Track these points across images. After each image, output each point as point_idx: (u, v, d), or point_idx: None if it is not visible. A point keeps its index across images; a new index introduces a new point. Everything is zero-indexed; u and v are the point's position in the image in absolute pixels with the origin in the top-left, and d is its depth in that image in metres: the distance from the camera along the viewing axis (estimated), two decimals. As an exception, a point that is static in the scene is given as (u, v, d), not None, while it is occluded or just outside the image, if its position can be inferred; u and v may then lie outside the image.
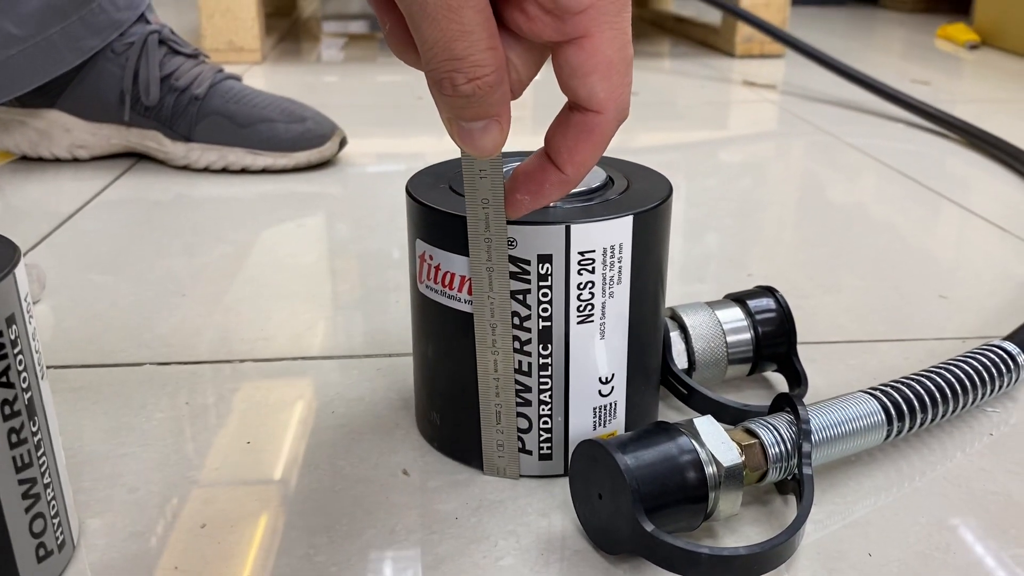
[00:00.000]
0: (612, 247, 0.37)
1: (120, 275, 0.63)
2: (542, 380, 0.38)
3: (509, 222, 0.35)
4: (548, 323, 0.37)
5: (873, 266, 0.66)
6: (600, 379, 0.39)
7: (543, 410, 0.39)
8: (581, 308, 0.37)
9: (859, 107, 1.18)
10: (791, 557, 0.35)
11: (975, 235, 0.73)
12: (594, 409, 0.39)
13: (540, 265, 0.36)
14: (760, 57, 1.55)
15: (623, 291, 0.38)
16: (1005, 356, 0.46)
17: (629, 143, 1.01)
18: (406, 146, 1.00)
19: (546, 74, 0.31)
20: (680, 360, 0.45)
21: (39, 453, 0.33)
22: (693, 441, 0.35)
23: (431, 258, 0.38)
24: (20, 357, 0.31)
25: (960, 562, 0.35)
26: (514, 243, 0.36)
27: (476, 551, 0.36)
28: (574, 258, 0.36)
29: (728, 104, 1.24)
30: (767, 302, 0.47)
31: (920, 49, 1.72)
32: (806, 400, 0.43)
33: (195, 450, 0.42)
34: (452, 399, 0.40)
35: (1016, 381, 0.46)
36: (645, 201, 0.38)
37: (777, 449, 0.37)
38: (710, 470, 0.35)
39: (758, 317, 0.46)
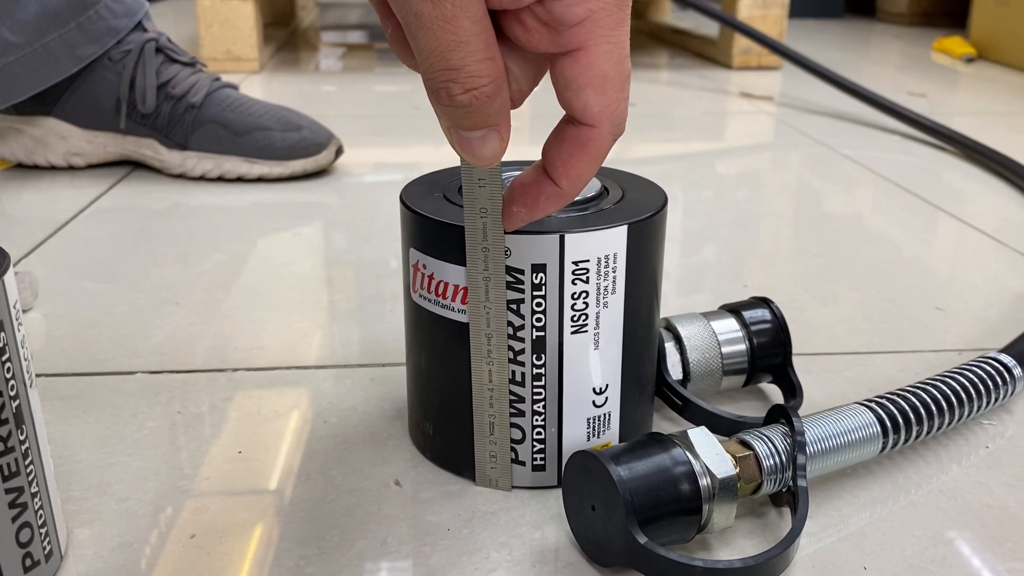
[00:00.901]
0: (606, 257, 0.37)
1: (114, 283, 0.62)
2: (535, 390, 0.38)
3: (505, 233, 0.35)
4: (542, 333, 0.37)
5: (869, 278, 0.66)
6: (594, 389, 0.39)
7: (536, 421, 0.39)
8: (575, 318, 0.37)
9: (856, 119, 1.18)
10: (786, 570, 0.34)
11: (971, 247, 0.72)
12: (588, 420, 0.39)
13: (534, 275, 0.36)
14: (757, 69, 1.55)
15: (617, 301, 0.38)
16: (1001, 368, 0.46)
17: (625, 154, 1.01)
18: (403, 156, 1.00)
19: (545, 85, 0.31)
20: (675, 371, 0.45)
21: (27, 462, 0.32)
22: (687, 452, 0.35)
23: (424, 267, 0.38)
24: (8, 364, 0.31)
25: (956, 575, 0.35)
26: (508, 253, 0.36)
27: (468, 563, 0.35)
28: (568, 268, 0.36)
29: (725, 115, 1.25)
30: (762, 313, 0.46)
31: (916, 62, 1.73)
32: (801, 412, 0.43)
33: (186, 460, 0.42)
34: (445, 409, 0.40)
35: (1012, 393, 0.46)
36: (640, 211, 0.38)
37: (772, 461, 0.37)
38: (704, 482, 0.34)
39: (753, 328, 0.46)
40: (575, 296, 0.37)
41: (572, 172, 0.32)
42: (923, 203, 0.83)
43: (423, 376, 0.41)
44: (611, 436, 0.40)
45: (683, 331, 0.45)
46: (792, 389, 0.46)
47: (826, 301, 0.61)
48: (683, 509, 0.34)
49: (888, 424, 0.40)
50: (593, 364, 0.38)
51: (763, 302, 0.47)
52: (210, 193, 0.83)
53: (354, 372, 0.50)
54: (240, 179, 0.86)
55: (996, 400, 0.45)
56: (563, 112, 0.31)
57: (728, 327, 0.46)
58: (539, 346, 0.37)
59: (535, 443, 0.39)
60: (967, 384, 0.44)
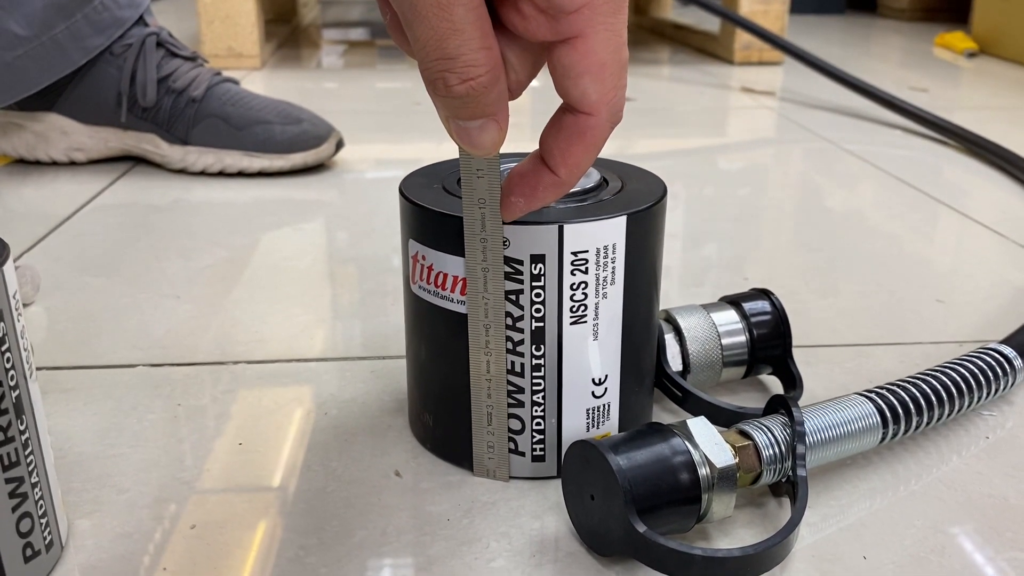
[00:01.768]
0: (605, 247, 0.37)
1: (115, 278, 0.62)
2: (535, 381, 0.38)
3: (503, 223, 0.35)
4: (541, 324, 0.37)
5: (870, 271, 0.65)
6: (593, 380, 0.39)
7: (536, 411, 0.39)
8: (574, 309, 0.37)
9: (857, 114, 1.18)
10: (785, 559, 0.34)
11: (972, 240, 0.72)
12: (587, 410, 0.39)
13: (533, 265, 0.36)
14: (759, 64, 1.55)
15: (616, 292, 0.38)
16: (1001, 359, 0.45)
17: (628, 149, 1.01)
18: (404, 152, 1.00)
19: (546, 79, 0.31)
20: (675, 362, 0.44)
21: (27, 452, 0.32)
22: (686, 442, 0.35)
23: (424, 258, 0.38)
24: (8, 355, 0.31)
25: (955, 565, 0.35)
26: (507, 243, 0.36)
27: (468, 553, 0.36)
28: (567, 258, 0.36)
29: (727, 111, 1.25)
30: (762, 304, 0.46)
31: (918, 57, 1.72)
32: (801, 403, 0.43)
33: (187, 452, 0.42)
34: (444, 400, 0.40)
35: (1013, 384, 0.46)
36: (639, 201, 0.38)
37: (771, 451, 0.37)
38: (703, 471, 0.34)
39: (753, 320, 0.46)
40: (574, 287, 0.37)
41: (570, 161, 0.32)
42: (924, 197, 0.83)
43: (423, 367, 0.41)
44: (610, 427, 0.40)
45: (683, 322, 0.45)
46: (792, 380, 0.46)
47: (826, 294, 0.61)
48: (682, 498, 0.34)
49: (888, 414, 0.40)
50: (592, 355, 0.38)
51: (763, 294, 0.47)
52: (211, 188, 0.83)
53: (355, 365, 0.51)
54: (241, 173, 0.86)
55: (996, 391, 0.45)
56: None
57: (728, 319, 0.46)
58: (538, 337, 0.37)
59: (534, 433, 0.39)
60: (967, 375, 0.44)
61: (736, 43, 1.55)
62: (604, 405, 0.40)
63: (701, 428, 0.36)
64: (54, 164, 0.88)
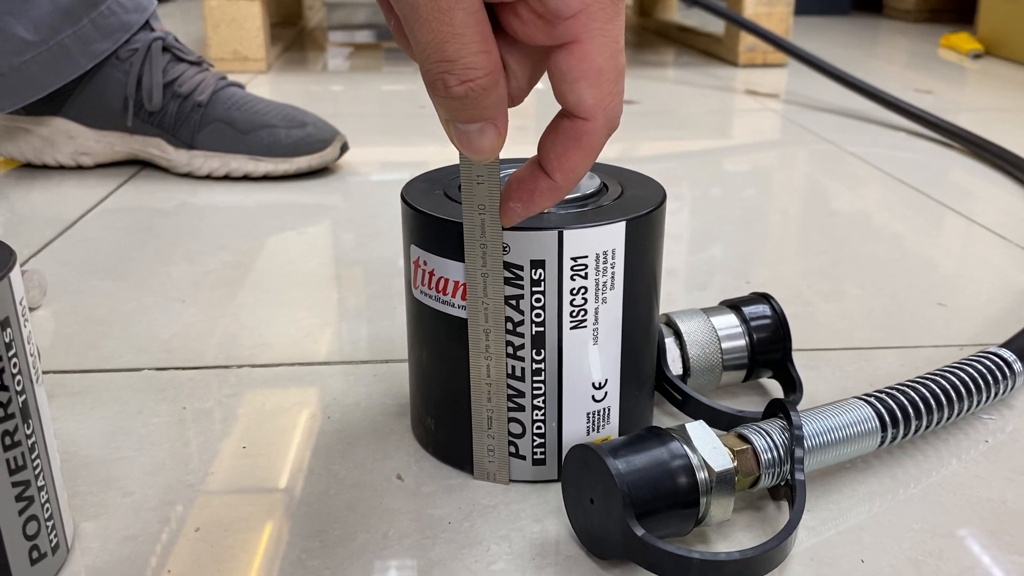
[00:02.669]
0: (605, 253, 0.37)
1: (121, 281, 0.63)
2: (535, 385, 0.38)
3: (503, 228, 0.35)
4: (541, 328, 0.37)
5: (873, 274, 0.66)
6: (593, 384, 0.39)
7: (536, 415, 0.39)
8: (574, 313, 0.37)
9: (861, 116, 1.18)
10: (782, 563, 0.35)
11: (975, 243, 0.72)
12: (587, 414, 0.39)
13: (533, 270, 0.37)
14: (763, 66, 1.55)
15: (616, 296, 0.38)
16: (1001, 363, 0.46)
17: (632, 152, 1.01)
18: (410, 155, 1.01)
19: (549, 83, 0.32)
20: (675, 366, 0.45)
21: (33, 456, 0.33)
22: (685, 446, 0.35)
23: (425, 263, 0.39)
24: (15, 360, 0.32)
25: (953, 569, 0.35)
26: (507, 249, 0.36)
27: (468, 556, 0.36)
28: (567, 264, 0.37)
29: (731, 113, 1.25)
30: (762, 308, 0.47)
31: (923, 58, 1.72)
32: (801, 406, 0.43)
33: (192, 455, 0.43)
34: (446, 404, 0.41)
35: (1012, 388, 0.46)
36: (638, 207, 0.39)
37: (770, 455, 0.37)
38: (702, 475, 0.35)
39: (753, 324, 0.46)
40: (574, 292, 0.37)
41: (567, 165, 0.32)
42: (927, 199, 0.83)
43: (424, 371, 0.41)
44: (611, 430, 0.40)
45: (683, 327, 0.45)
46: (792, 384, 0.46)
47: (829, 297, 0.61)
48: (680, 502, 0.34)
49: (887, 418, 0.40)
50: (592, 359, 0.39)
51: (763, 298, 0.47)
52: (217, 192, 0.84)
53: (358, 368, 0.51)
54: (246, 177, 0.86)
55: (996, 395, 0.45)
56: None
57: (728, 323, 0.46)
58: (538, 341, 0.38)
59: (535, 437, 0.39)
60: (967, 379, 0.44)
61: (740, 45, 1.55)
62: (604, 409, 0.40)
63: (700, 432, 0.36)
64: (61, 168, 0.89)
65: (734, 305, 0.47)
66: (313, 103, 1.15)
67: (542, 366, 0.38)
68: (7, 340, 0.31)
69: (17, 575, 0.33)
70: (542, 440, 0.39)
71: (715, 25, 1.73)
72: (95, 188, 0.84)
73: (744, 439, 0.37)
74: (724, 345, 0.46)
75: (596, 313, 0.38)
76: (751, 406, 0.47)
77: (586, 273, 0.37)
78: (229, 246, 0.70)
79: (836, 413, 0.40)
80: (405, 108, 1.22)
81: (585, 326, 0.38)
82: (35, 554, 0.33)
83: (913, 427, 0.42)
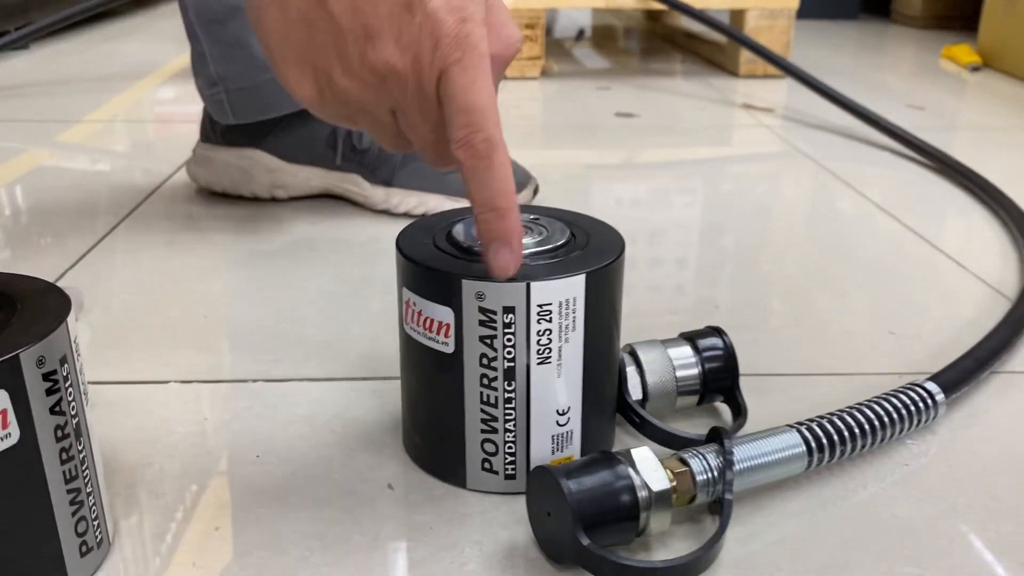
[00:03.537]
0: (567, 300, 0.43)
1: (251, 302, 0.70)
2: (507, 412, 0.45)
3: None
4: (512, 363, 0.44)
5: (833, 302, 0.71)
6: (557, 411, 0.45)
7: (508, 437, 0.45)
8: (540, 351, 0.44)
9: (852, 133, 1.23)
10: (708, 569, 0.41)
11: (935, 272, 0.78)
12: (552, 437, 0.46)
13: (505, 315, 0.43)
14: (763, 77, 1.60)
15: (577, 337, 0.44)
16: (925, 395, 0.52)
17: (634, 159, 1.06)
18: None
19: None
20: (635, 392, 0.51)
21: (84, 467, 0.39)
22: (630, 468, 0.42)
23: (414, 304, 0.45)
24: (70, 389, 0.38)
25: (855, 577, 0.41)
26: (483, 296, 0.43)
27: (446, 557, 0.42)
28: (534, 309, 0.43)
29: (724, 128, 1.30)
30: (714, 341, 0.53)
31: (924, 70, 1.77)
32: (745, 430, 0.49)
33: (211, 463, 0.49)
34: (432, 425, 0.47)
35: (934, 418, 0.52)
36: (599, 259, 0.45)
37: (705, 476, 0.43)
38: (643, 494, 0.41)
39: (705, 355, 0.52)
40: (540, 333, 0.43)
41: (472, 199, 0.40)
42: (897, 224, 0.89)
43: (414, 396, 0.48)
44: (573, 450, 0.47)
45: (643, 356, 0.52)
46: (738, 409, 0.52)
47: (787, 324, 0.67)
48: (623, 517, 0.40)
49: (814, 445, 0.47)
50: (558, 389, 0.45)
51: (716, 331, 0.53)
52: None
53: (359, 384, 0.57)
54: None
55: (919, 423, 0.51)
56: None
57: (683, 354, 0.52)
58: (509, 375, 0.44)
59: (507, 456, 0.46)
60: (891, 409, 0.50)
61: (741, 56, 1.60)
62: (568, 432, 0.46)
63: (643, 456, 0.42)
64: (255, 200, 0.91)
65: (690, 337, 0.53)
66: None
67: (513, 395, 0.44)
68: (64, 374, 0.38)
69: (70, 566, 0.39)
70: (513, 458, 0.46)
71: (719, 33, 1.78)
72: (293, 219, 0.87)
73: (683, 462, 0.44)
74: (679, 374, 0.52)
75: (560, 351, 0.44)
76: (703, 428, 0.53)
77: (551, 318, 0.43)
78: (348, 275, 0.76)
79: (766, 441, 0.46)
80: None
81: (550, 362, 0.44)
82: (84, 548, 0.40)
83: (838, 452, 0.48)
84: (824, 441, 0.47)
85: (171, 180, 0.98)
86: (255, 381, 0.58)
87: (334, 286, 0.73)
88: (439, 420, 0.46)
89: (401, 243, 0.46)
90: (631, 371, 0.51)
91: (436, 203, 0.87)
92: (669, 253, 0.81)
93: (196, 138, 0.91)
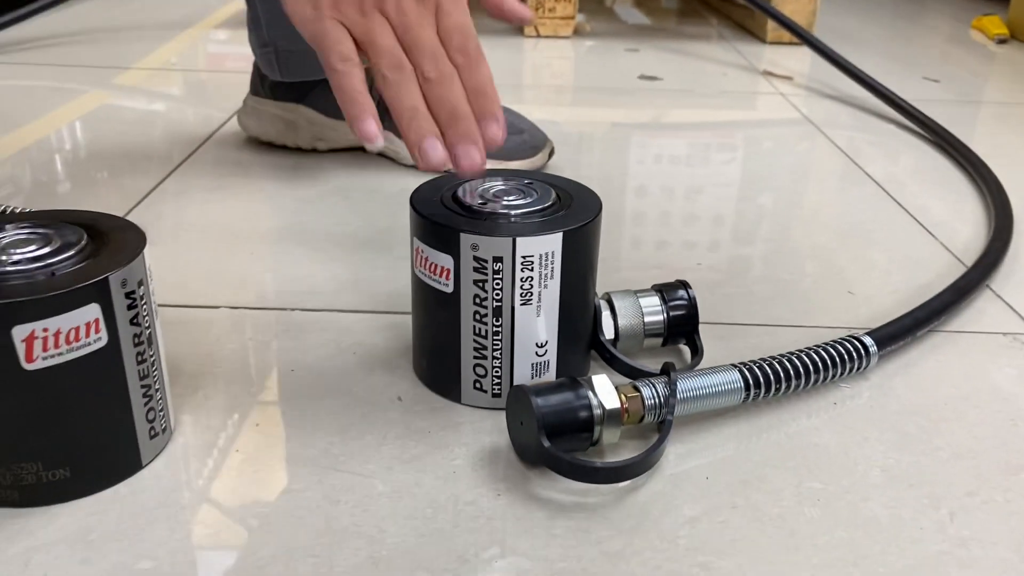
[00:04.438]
0: (546, 253, 0.52)
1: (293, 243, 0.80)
2: (495, 343, 0.54)
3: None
4: (499, 303, 0.53)
5: (806, 262, 0.80)
6: (536, 344, 0.55)
7: (495, 363, 0.55)
8: (523, 294, 0.53)
9: (864, 104, 1.29)
10: (647, 473, 0.51)
11: (908, 241, 0.86)
12: (532, 364, 0.56)
13: (494, 264, 0.52)
14: (789, 44, 1.65)
15: (555, 283, 0.54)
16: (860, 346, 0.60)
17: (662, 118, 1.14)
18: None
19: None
20: (608, 332, 0.60)
21: (153, 369, 0.50)
22: (589, 391, 0.51)
23: (422, 251, 0.55)
24: (145, 306, 0.49)
25: (768, 488, 0.51)
26: (477, 247, 0.52)
27: (439, 454, 0.53)
28: (519, 261, 0.52)
29: (739, 95, 1.36)
30: (680, 293, 0.62)
31: (952, 41, 1.79)
32: (699, 367, 0.59)
33: (254, 373, 0.60)
34: (434, 351, 0.57)
35: (867, 367, 0.61)
36: (576, 219, 0.54)
37: (653, 401, 0.53)
38: (597, 412, 0.51)
39: (671, 304, 0.61)
40: (523, 280, 0.53)
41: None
42: (883, 196, 0.96)
43: (420, 326, 0.58)
44: (549, 376, 0.56)
45: (617, 303, 0.61)
46: (696, 350, 0.62)
47: (759, 280, 0.76)
48: (580, 428, 0.50)
49: (751, 381, 0.56)
50: (537, 326, 0.54)
51: (682, 285, 0.62)
52: None
53: (378, 316, 0.67)
54: None
55: (851, 370, 0.60)
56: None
57: (652, 303, 0.61)
58: (497, 312, 0.54)
59: (494, 378, 0.56)
60: (826, 357, 0.59)
61: (769, 23, 1.64)
62: (545, 361, 0.56)
63: (601, 382, 0.52)
64: (298, 150, 1.01)
65: (659, 289, 0.62)
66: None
67: (500, 329, 0.54)
68: (141, 294, 0.48)
69: (141, 445, 0.50)
70: (499, 380, 0.56)
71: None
72: (329, 171, 0.97)
73: (636, 389, 0.53)
74: (646, 319, 0.61)
75: (540, 295, 0.54)
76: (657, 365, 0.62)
77: (532, 267, 0.53)
78: (378, 223, 0.87)
79: (710, 375, 0.55)
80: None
81: (531, 303, 0.54)
82: (152, 432, 0.51)
83: (773, 389, 0.57)
84: (760, 379, 0.56)
85: (223, 128, 1.08)
86: (292, 310, 0.68)
87: (364, 231, 0.83)
88: (440, 347, 0.56)
89: (414, 200, 0.56)
90: (606, 315, 0.60)
91: None
92: (655, 209, 0.90)
93: (246, 87, 1.01)
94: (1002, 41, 1.75)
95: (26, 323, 0.43)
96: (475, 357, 0.55)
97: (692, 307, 0.62)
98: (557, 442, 0.49)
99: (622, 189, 0.96)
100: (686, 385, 0.54)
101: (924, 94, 1.35)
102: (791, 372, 0.57)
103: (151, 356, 0.50)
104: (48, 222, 0.50)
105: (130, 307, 0.47)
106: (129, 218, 0.83)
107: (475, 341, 0.55)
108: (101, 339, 0.46)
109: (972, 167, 1.02)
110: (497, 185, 0.57)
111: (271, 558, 0.44)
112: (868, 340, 0.61)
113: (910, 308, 0.69)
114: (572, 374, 0.57)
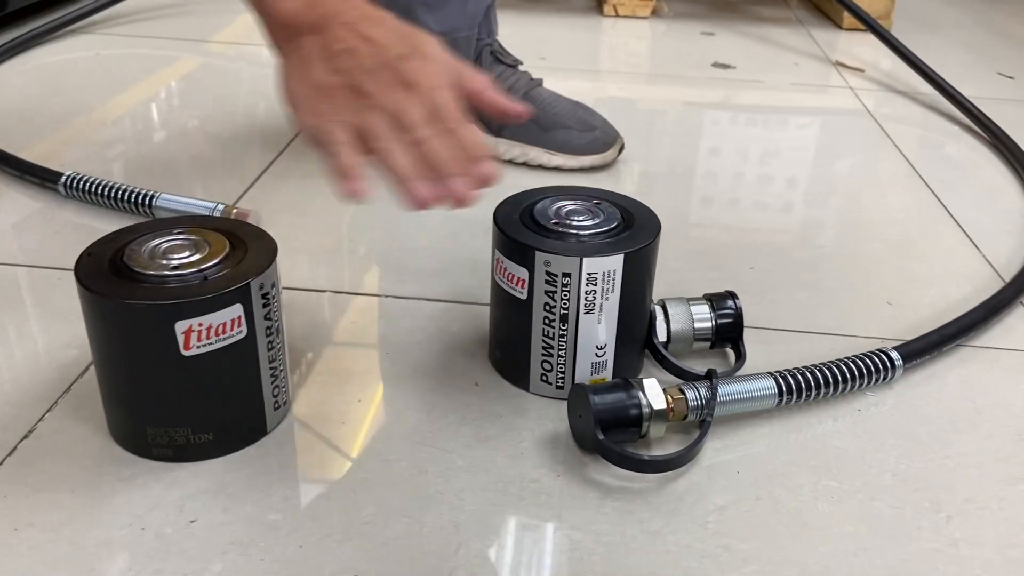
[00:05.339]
0: (609, 272, 0.61)
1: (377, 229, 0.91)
2: (560, 343, 0.64)
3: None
4: (566, 311, 0.62)
5: (852, 271, 0.86)
6: (596, 346, 0.64)
7: (560, 361, 0.64)
8: (587, 305, 0.62)
9: (932, 101, 1.32)
10: (687, 466, 0.60)
11: (952, 251, 0.91)
12: (592, 363, 0.65)
13: (563, 278, 0.61)
14: (865, 31, 1.66)
15: (615, 296, 0.62)
16: (886, 360, 0.68)
17: (733, 100, 1.20)
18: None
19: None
20: (661, 335, 0.69)
21: (280, 354, 0.61)
22: (640, 392, 0.60)
23: (502, 262, 0.64)
24: (275, 304, 0.59)
25: (790, 483, 0.59)
26: (549, 264, 0.61)
27: (508, 436, 0.62)
28: (584, 276, 0.61)
29: (808, 86, 1.40)
30: (728, 303, 0.70)
31: (1035, 29, 1.78)
32: (744, 371, 0.67)
33: (356, 354, 0.70)
34: (508, 346, 0.66)
35: (891, 378, 0.68)
36: (636, 241, 0.62)
37: (696, 402, 0.61)
38: (646, 410, 0.59)
39: (719, 312, 0.69)
40: (587, 293, 0.61)
41: None
42: (935, 203, 1.01)
43: (497, 324, 0.67)
44: (607, 374, 0.65)
45: (670, 310, 0.69)
46: (739, 355, 0.70)
47: (806, 287, 0.83)
48: (629, 423, 0.59)
49: (784, 388, 0.64)
50: (598, 331, 0.63)
51: (731, 295, 0.70)
52: (515, 176, 1.01)
53: (459, 307, 0.77)
54: (540, 166, 1.04)
55: (877, 381, 0.67)
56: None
57: (702, 310, 0.70)
58: (564, 319, 0.62)
59: (559, 373, 0.65)
60: (854, 368, 0.66)
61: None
62: (603, 361, 0.65)
63: (651, 385, 0.60)
64: None
65: (709, 298, 0.70)
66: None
67: (565, 333, 0.63)
68: (273, 294, 0.58)
69: (268, 415, 0.61)
70: (563, 375, 0.65)
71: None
72: None
73: (681, 391, 0.62)
74: (696, 325, 0.69)
75: (601, 306, 0.62)
76: (704, 367, 0.71)
77: (596, 282, 0.61)
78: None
79: (748, 381, 0.63)
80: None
81: (594, 312, 0.62)
82: (276, 405, 0.62)
83: (804, 396, 0.65)
84: (792, 387, 0.64)
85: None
86: (386, 296, 0.78)
87: (448, 223, 0.92)
88: (514, 343, 0.66)
89: (497, 216, 0.65)
90: (660, 320, 0.69)
91: (536, 155, 1.04)
92: (715, 217, 0.97)
93: None
94: (1087, 33, 1.73)
95: (185, 319, 0.54)
96: (543, 355, 0.64)
97: (738, 316, 0.70)
98: (610, 435, 0.59)
99: (688, 191, 1.03)
100: (726, 390, 0.62)
101: (997, 91, 1.37)
102: (820, 381, 0.65)
103: (278, 344, 0.60)
104: (197, 228, 0.60)
105: (264, 305, 0.58)
106: (242, 201, 0.94)
107: (543, 341, 0.64)
108: (242, 332, 0.56)
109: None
110: (568, 205, 0.66)
111: (372, 517, 0.55)
112: (895, 354, 0.68)
113: (943, 323, 0.75)
114: (627, 373, 0.66)
